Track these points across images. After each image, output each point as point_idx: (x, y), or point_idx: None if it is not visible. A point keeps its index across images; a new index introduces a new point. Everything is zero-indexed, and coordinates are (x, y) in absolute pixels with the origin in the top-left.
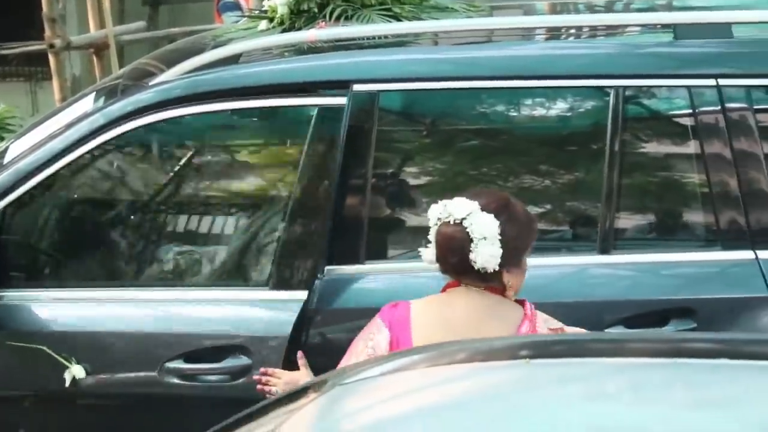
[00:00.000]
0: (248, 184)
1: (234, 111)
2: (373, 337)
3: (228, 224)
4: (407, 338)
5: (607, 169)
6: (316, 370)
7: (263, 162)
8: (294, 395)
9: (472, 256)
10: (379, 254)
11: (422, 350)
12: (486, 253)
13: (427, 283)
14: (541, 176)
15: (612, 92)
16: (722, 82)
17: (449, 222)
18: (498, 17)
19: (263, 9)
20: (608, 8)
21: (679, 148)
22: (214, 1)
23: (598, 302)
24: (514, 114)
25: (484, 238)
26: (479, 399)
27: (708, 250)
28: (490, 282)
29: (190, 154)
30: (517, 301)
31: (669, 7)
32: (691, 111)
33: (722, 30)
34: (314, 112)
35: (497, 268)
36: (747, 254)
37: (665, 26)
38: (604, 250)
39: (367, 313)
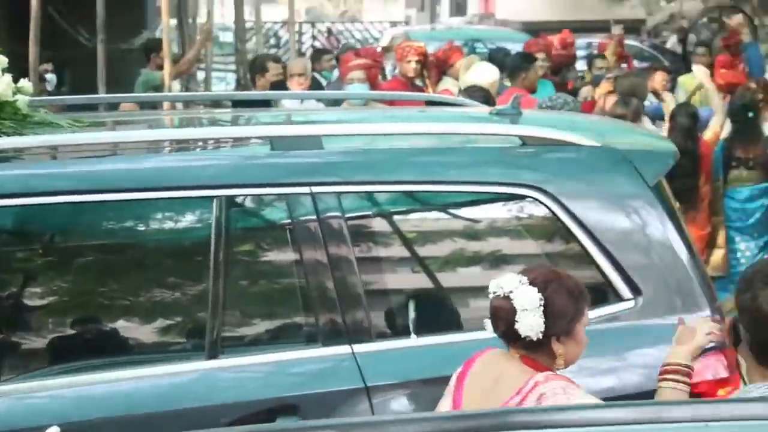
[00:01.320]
0: None
1: None
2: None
3: None
4: (461, 383)
5: (214, 276)
6: None
7: None
8: None
9: (516, 325)
10: None
11: None
12: (528, 323)
13: None
14: (151, 285)
15: (215, 202)
16: (315, 190)
17: (499, 295)
18: (99, 132)
19: None
20: (213, 122)
21: (281, 254)
22: None
23: (209, 407)
24: (112, 226)
25: (526, 310)
26: None
27: (310, 348)
28: (539, 351)
29: None
30: (546, 369)
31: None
32: (289, 219)
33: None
34: None
35: (540, 337)
36: (345, 349)
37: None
38: (212, 356)
39: None
